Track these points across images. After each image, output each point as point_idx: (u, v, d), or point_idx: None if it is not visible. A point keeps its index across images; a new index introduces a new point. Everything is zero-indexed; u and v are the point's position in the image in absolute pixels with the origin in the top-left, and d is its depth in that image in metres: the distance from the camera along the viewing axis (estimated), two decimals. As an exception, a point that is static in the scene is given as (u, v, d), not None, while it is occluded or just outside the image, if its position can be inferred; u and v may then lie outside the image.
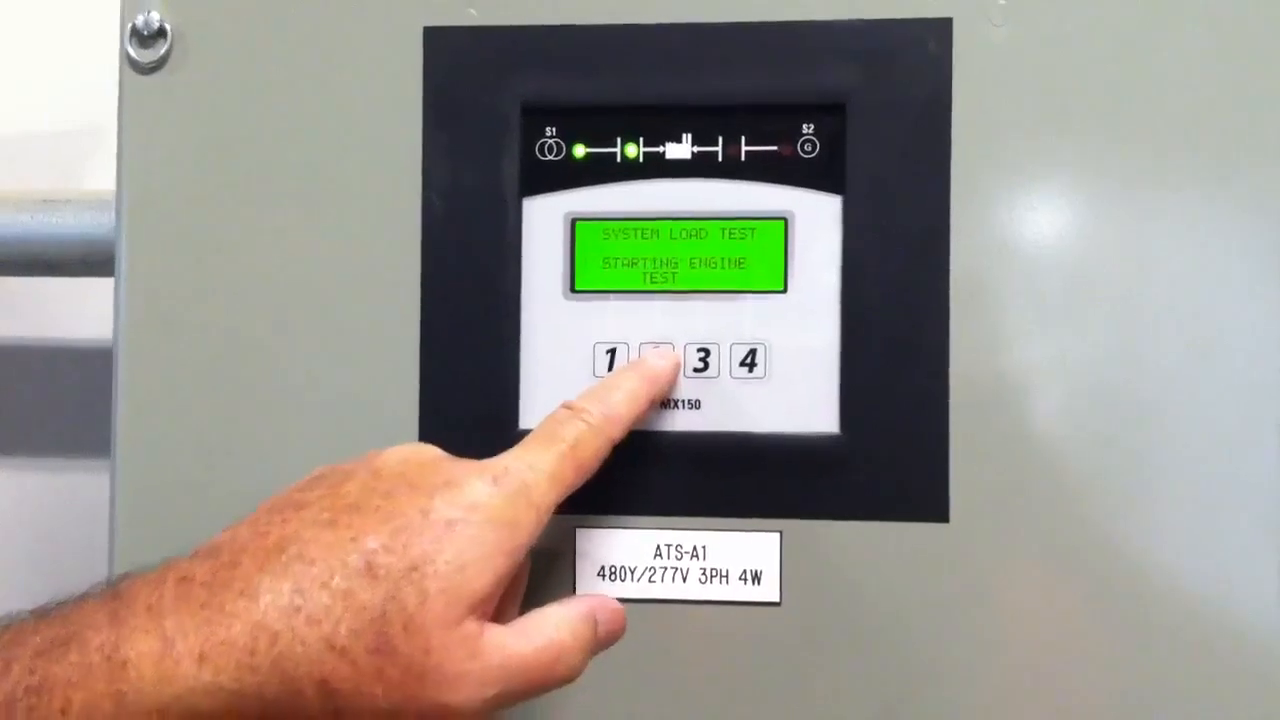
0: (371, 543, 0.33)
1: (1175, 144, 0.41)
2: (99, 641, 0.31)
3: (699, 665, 0.43)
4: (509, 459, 0.37)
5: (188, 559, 0.34)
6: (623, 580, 0.43)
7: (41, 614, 0.33)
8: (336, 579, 0.32)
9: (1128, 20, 0.42)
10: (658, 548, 0.43)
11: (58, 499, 0.69)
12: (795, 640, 0.42)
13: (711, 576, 0.42)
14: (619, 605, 0.39)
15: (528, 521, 0.36)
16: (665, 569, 0.43)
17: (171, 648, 0.31)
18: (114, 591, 0.32)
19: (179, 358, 0.44)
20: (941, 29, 0.42)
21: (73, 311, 0.69)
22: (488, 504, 0.35)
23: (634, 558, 0.43)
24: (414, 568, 0.33)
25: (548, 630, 0.36)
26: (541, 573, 0.43)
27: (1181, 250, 0.41)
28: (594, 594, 0.40)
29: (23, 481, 0.70)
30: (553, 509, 0.37)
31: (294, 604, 0.32)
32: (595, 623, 0.37)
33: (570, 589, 0.43)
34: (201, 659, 0.31)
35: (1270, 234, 0.41)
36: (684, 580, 0.42)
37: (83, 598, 0.33)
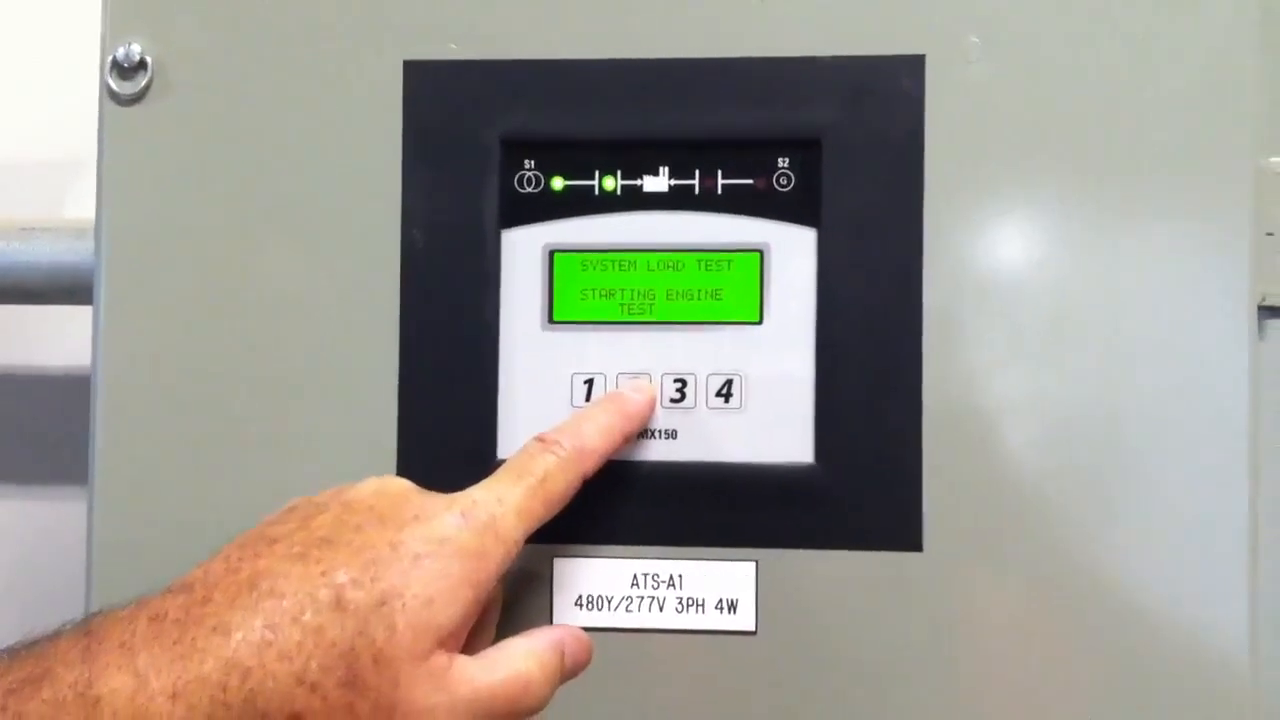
0: (341, 576, 0.34)
1: (1147, 179, 0.42)
2: (71, 679, 0.31)
3: (675, 694, 0.43)
4: (478, 492, 0.37)
5: (160, 595, 0.34)
6: (599, 609, 0.43)
7: (12, 652, 0.33)
8: (307, 614, 0.33)
9: (1100, 57, 0.42)
10: (634, 577, 0.43)
11: (32, 526, 0.69)
12: (771, 669, 0.42)
13: (688, 606, 0.43)
14: (585, 635, 0.39)
15: (495, 554, 0.36)
16: (642, 598, 0.43)
17: (144, 685, 0.31)
18: (86, 628, 0.32)
19: (157, 387, 0.44)
20: (915, 66, 0.43)
21: (47, 339, 0.69)
22: (455, 537, 0.35)
23: (611, 587, 0.43)
24: (382, 602, 0.33)
25: (515, 661, 0.36)
26: (519, 602, 0.43)
27: (1153, 284, 0.42)
28: (561, 625, 0.41)
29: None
30: (521, 542, 0.37)
31: (265, 640, 0.32)
32: (562, 653, 0.37)
33: (548, 618, 0.43)
34: (174, 696, 0.31)
35: (1241, 269, 0.42)
36: (661, 609, 0.43)
37: (54, 635, 0.33)
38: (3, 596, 0.69)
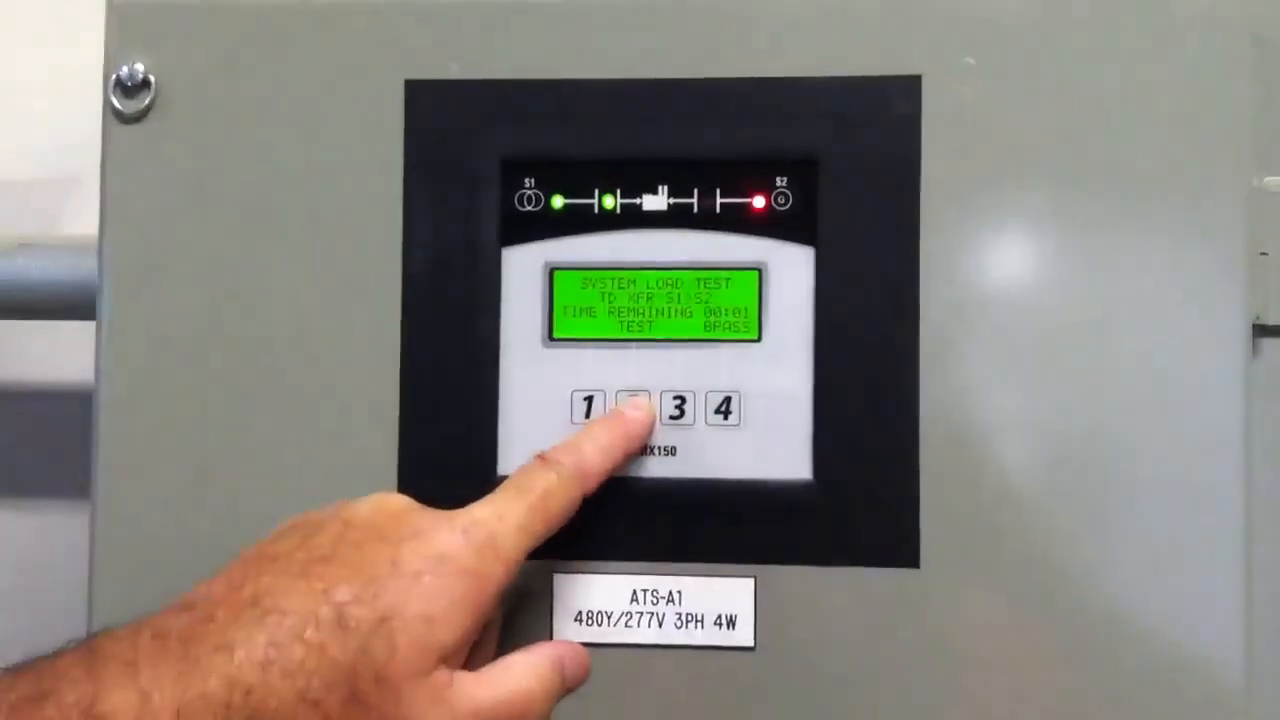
0: (343, 594, 0.34)
1: (1141, 199, 0.42)
2: (75, 696, 0.31)
3: (674, 710, 0.43)
4: (478, 509, 0.37)
5: (162, 614, 0.34)
6: (599, 625, 0.43)
7: (15, 670, 0.33)
8: (309, 631, 0.33)
9: (1094, 78, 0.43)
10: (634, 593, 0.43)
11: (25, 541, 0.69)
12: (769, 685, 0.42)
13: (687, 621, 0.43)
14: (584, 650, 0.40)
15: (495, 572, 0.36)
16: (641, 614, 0.43)
17: (148, 702, 0.31)
18: (89, 647, 0.33)
19: (159, 404, 0.44)
20: (911, 86, 0.43)
21: (46, 354, 0.69)
22: (456, 555, 0.35)
23: (610, 603, 0.43)
24: (384, 620, 0.34)
25: (515, 677, 0.36)
26: (519, 618, 0.43)
27: (1147, 303, 0.42)
28: (559, 640, 0.41)
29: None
30: (521, 559, 0.37)
31: (268, 657, 0.32)
32: (562, 668, 0.38)
33: (547, 634, 0.43)
34: (178, 713, 0.31)
35: (1235, 288, 0.42)
36: (660, 625, 0.43)
37: (57, 653, 0.33)
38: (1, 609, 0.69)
